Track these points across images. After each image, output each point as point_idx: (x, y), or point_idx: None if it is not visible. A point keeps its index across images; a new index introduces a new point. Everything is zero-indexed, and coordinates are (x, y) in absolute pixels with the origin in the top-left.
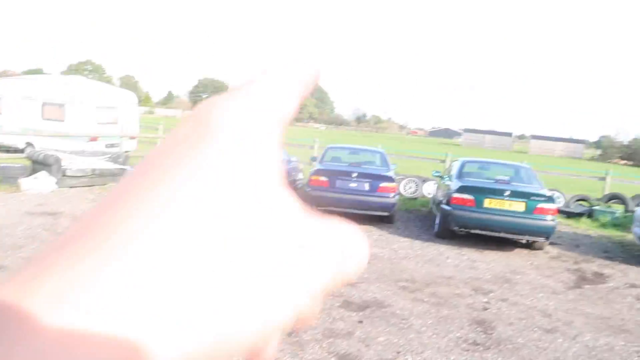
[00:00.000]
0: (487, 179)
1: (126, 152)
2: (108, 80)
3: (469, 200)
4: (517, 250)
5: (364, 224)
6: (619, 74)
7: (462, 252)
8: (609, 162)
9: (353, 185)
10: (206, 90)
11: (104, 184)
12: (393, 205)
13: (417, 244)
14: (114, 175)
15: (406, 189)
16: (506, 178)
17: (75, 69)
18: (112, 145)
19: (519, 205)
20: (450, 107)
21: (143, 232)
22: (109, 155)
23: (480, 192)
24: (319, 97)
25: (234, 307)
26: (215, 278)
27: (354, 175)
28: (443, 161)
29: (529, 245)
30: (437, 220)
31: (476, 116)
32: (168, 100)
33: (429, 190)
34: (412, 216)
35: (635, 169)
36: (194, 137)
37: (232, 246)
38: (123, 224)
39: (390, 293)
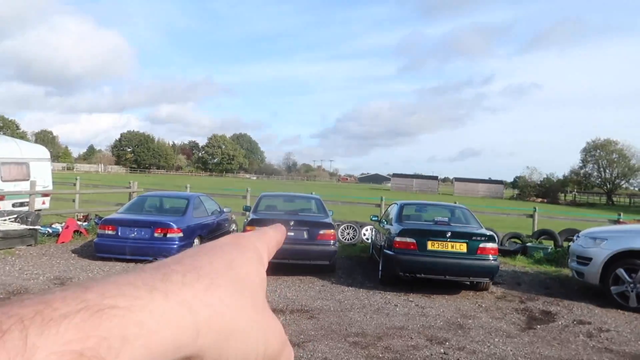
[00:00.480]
0: (426, 221)
1: (38, 210)
2: (22, 136)
3: (412, 244)
4: (464, 292)
5: (304, 274)
6: (528, 122)
7: (410, 299)
8: (527, 200)
9: (290, 234)
10: (130, 144)
11: (10, 247)
12: (334, 252)
13: (363, 292)
14: (22, 236)
15: (344, 235)
16: (445, 219)
17: None
18: (21, 205)
19: (461, 246)
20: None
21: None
22: (16, 215)
23: (422, 234)
24: (248, 147)
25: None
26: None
27: (291, 223)
28: (378, 205)
29: (474, 287)
30: (380, 266)
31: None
32: (89, 154)
33: (368, 235)
34: (353, 263)
35: (552, 205)
36: (234, 243)
37: (248, 290)
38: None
39: (341, 351)
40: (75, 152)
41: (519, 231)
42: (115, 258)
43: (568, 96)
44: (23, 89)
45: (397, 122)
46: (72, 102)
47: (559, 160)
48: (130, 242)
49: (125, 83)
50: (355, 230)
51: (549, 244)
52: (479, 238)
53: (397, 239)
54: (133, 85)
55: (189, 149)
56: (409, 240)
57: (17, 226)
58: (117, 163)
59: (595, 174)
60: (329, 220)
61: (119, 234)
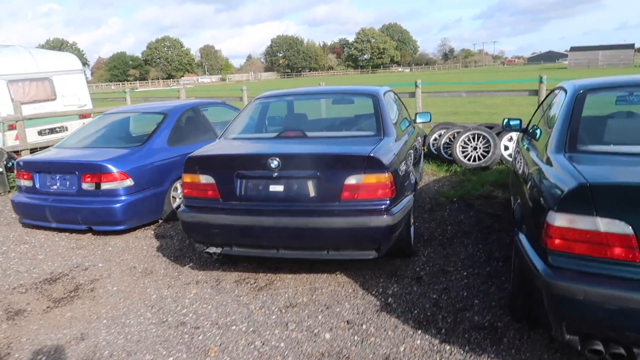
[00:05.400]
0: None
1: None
2: (186, 53)
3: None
4: None
5: (340, 270)
6: None
7: None
8: None
9: (276, 188)
10: (280, 49)
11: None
12: (387, 230)
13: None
14: None
15: (467, 150)
16: None
17: (154, 47)
18: (51, 131)
19: None
20: (549, 30)
21: None
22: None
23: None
24: (399, 38)
25: None
26: None
27: (273, 164)
28: (535, 92)
29: None
30: (512, 282)
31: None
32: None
33: (512, 150)
34: (472, 220)
35: None
36: None
37: None
38: None
39: None
40: (237, 63)
41: None
42: (41, 226)
43: None
44: (196, 9)
45: None
46: (237, 16)
47: None
48: (51, 200)
49: None
50: (489, 141)
51: None
52: None
53: (560, 223)
54: None
55: (339, 48)
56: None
57: None
58: (270, 70)
59: None
60: (379, 153)
61: (37, 185)
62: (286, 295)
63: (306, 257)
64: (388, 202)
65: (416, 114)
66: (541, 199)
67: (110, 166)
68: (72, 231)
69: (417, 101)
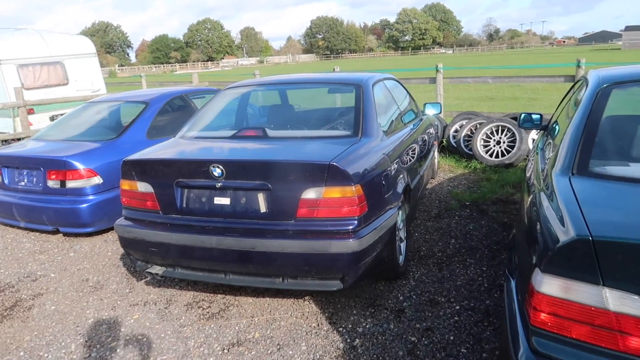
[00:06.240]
0: None
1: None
2: (227, 35)
3: None
4: None
5: (293, 303)
6: None
7: None
8: None
9: (221, 201)
10: (320, 30)
11: None
12: (353, 257)
13: None
14: None
15: (489, 144)
16: None
17: (195, 29)
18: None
19: None
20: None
21: None
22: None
23: None
24: (442, 18)
25: None
26: None
27: (216, 172)
28: (571, 78)
29: None
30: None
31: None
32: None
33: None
34: (485, 229)
35: None
36: None
37: None
38: None
39: None
40: (277, 45)
41: None
42: (14, 225)
43: None
44: None
45: None
46: None
47: None
48: (18, 198)
49: None
50: (514, 135)
51: None
52: None
53: (549, 290)
54: None
55: (380, 29)
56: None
57: None
58: (309, 52)
59: None
60: (345, 156)
61: (5, 181)
62: (237, 327)
63: (258, 285)
64: (355, 221)
65: (425, 105)
66: (530, 243)
67: (75, 162)
68: (42, 232)
69: (437, 87)
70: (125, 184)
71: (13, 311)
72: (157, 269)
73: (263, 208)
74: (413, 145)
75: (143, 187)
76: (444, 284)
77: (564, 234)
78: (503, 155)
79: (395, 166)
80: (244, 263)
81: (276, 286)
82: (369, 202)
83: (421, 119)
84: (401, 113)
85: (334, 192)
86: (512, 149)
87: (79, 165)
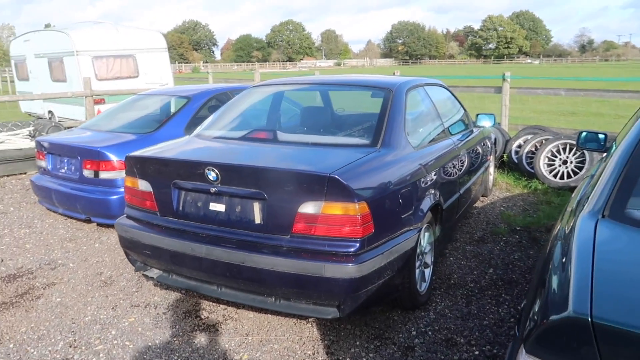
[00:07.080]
0: None
1: (57, 123)
2: (307, 37)
3: None
4: None
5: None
6: None
7: None
8: None
9: (216, 207)
10: (400, 35)
11: (15, 172)
12: (352, 284)
13: None
14: (30, 158)
15: (554, 163)
16: None
17: (277, 30)
18: None
19: None
20: None
21: None
22: (33, 128)
23: None
24: (530, 27)
25: None
26: None
27: (212, 177)
28: None
29: None
30: None
31: None
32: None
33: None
34: (527, 260)
35: None
36: None
37: None
38: None
39: None
40: (357, 49)
41: None
42: (52, 210)
43: None
44: None
45: None
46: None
47: None
48: (57, 184)
49: None
50: (584, 154)
51: None
52: None
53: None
54: None
55: (463, 36)
56: None
57: (22, 143)
58: (388, 56)
59: None
60: (351, 169)
61: (49, 167)
62: (227, 345)
63: (249, 303)
64: (357, 243)
65: (477, 115)
66: (527, 307)
67: (109, 153)
68: (77, 220)
69: (503, 97)
70: (128, 181)
71: (22, 299)
72: (154, 272)
73: (258, 219)
74: (454, 159)
75: (143, 185)
76: (467, 322)
77: (558, 306)
78: (569, 176)
79: (422, 182)
80: (233, 277)
81: (267, 306)
82: (376, 222)
83: (471, 131)
84: (443, 123)
85: (334, 208)
86: (580, 171)
87: (112, 157)
